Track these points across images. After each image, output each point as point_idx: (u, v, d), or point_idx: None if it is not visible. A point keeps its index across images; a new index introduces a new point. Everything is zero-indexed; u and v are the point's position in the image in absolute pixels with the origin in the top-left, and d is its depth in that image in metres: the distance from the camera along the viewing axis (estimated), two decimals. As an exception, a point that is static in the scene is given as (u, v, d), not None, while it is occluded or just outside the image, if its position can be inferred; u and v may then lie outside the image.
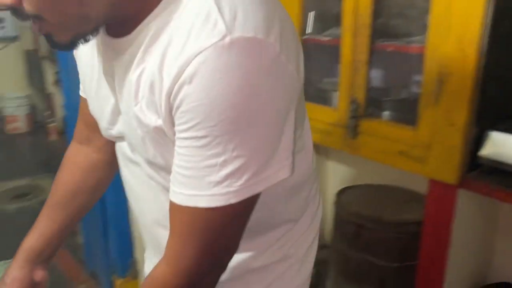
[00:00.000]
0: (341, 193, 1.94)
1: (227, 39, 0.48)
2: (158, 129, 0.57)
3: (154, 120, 0.57)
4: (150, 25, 0.54)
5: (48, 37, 0.55)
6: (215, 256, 0.59)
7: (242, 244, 0.63)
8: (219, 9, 0.49)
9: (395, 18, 1.57)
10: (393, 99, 1.67)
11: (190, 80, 0.49)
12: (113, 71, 0.62)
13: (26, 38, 4.83)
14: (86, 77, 0.73)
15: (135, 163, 0.70)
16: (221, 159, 0.51)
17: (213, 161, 0.51)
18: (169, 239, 0.59)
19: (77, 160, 0.90)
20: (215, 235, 0.56)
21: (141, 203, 0.77)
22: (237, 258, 0.72)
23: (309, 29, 1.74)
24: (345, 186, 2.00)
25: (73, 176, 0.89)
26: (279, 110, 0.54)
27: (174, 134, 0.55)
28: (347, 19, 1.53)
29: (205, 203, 0.53)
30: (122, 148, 0.74)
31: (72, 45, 0.57)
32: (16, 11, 0.51)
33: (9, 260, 2.61)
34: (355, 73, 1.55)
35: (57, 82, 4.08)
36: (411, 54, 1.47)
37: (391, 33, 1.54)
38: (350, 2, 1.50)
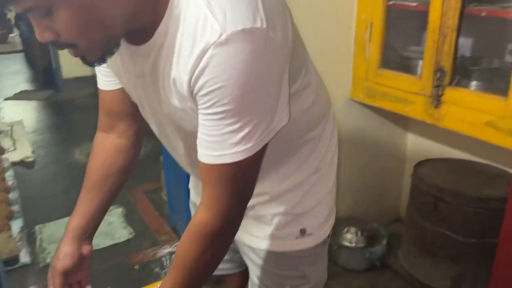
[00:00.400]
0: (419, 165, 1.90)
1: (223, 36, 0.62)
2: (187, 109, 0.74)
3: (183, 104, 0.73)
4: (165, 31, 0.69)
5: (83, 58, 0.70)
6: (242, 196, 0.76)
7: (275, 170, 0.88)
8: (212, 13, 0.63)
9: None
10: (483, 68, 1.58)
11: (203, 72, 0.65)
12: (143, 72, 0.76)
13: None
14: (121, 78, 0.89)
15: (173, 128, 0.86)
16: (237, 126, 0.67)
17: (230, 128, 0.67)
18: (203, 190, 0.75)
19: (104, 146, 1.01)
20: (239, 181, 0.73)
21: (176, 155, 0.94)
22: (274, 182, 0.91)
23: (395, -6, 1.68)
24: (425, 159, 1.95)
25: (103, 161, 1.00)
26: (276, 78, 0.69)
27: (197, 111, 0.71)
28: (438, -18, 1.46)
29: (229, 159, 0.69)
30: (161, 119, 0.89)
31: (102, 61, 0.72)
32: (54, 43, 0.66)
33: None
34: (443, 40, 1.48)
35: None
36: (506, 20, 1.38)
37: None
38: (442, -36, 1.43)
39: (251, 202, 0.78)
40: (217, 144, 0.69)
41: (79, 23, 0.64)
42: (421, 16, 1.55)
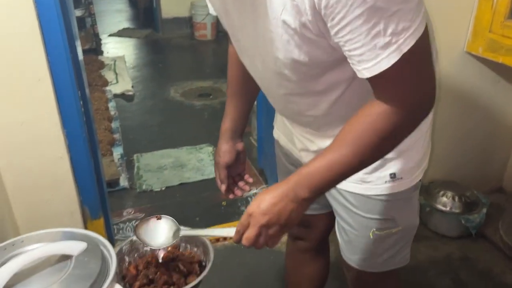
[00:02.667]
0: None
1: None
2: (304, 28, 0.67)
3: (299, 20, 0.66)
4: None
5: None
6: (417, 96, 0.69)
7: None
8: None
9: None
10: None
11: None
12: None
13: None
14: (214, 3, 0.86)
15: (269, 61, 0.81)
16: (382, 24, 0.60)
17: (376, 29, 0.61)
18: (379, 94, 0.70)
19: (236, 57, 1.03)
20: (407, 82, 0.67)
21: (268, 85, 0.91)
22: None
23: None
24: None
25: (240, 69, 1.04)
26: None
27: (319, 30, 0.66)
28: None
29: (385, 64, 0.63)
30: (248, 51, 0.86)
31: None
32: None
33: (196, 146, 2.97)
34: None
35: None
36: None
37: None
38: None
39: None
40: (367, 53, 0.63)
41: None
42: None
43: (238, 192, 1.15)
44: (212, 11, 0.95)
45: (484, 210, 1.91)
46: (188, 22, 5.51)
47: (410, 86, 0.68)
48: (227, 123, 1.12)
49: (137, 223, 0.96)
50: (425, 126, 0.93)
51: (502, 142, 2.14)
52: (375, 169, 0.91)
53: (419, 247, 1.91)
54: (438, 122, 1.94)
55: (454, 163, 2.10)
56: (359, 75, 0.67)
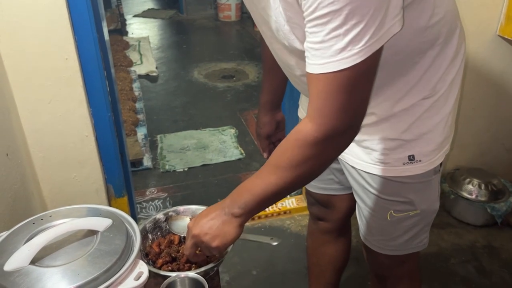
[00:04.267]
0: None
1: None
2: (293, 19, 0.71)
3: (289, 14, 0.71)
4: None
5: None
6: (351, 110, 0.69)
7: (383, 91, 0.83)
8: None
9: None
10: None
11: None
12: None
13: None
14: None
15: (281, 44, 0.83)
16: (343, 29, 0.61)
17: (336, 32, 0.62)
18: (310, 101, 0.71)
19: None
20: (347, 93, 0.67)
21: (287, 66, 0.93)
22: (382, 103, 0.85)
23: None
24: None
25: None
26: None
27: (303, 20, 0.67)
28: None
29: (335, 67, 0.64)
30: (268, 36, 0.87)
31: None
32: None
33: (219, 128, 2.99)
34: None
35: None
36: None
37: None
38: None
39: None
40: (322, 51, 0.64)
41: None
42: None
43: None
44: None
45: (511, 199, 1.86)
46: (212, 3, 5.49)
47: (346, 100, 0.67)
48: (265, 96, 1.17)
49: (171, 214, 1.00)
50: (448, 107, 0.90)
51: (533, 129, 2.08)
52: (393, 150, 0.89)
53: (443, 234, 1.88)
54: (465, 106, 1.89)
55: (481, 149, 2.05)
56: (307, 68, 0.68)
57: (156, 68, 3.81)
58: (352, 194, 1.06)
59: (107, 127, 1.49)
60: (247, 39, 4.80)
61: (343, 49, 0.62)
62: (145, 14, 5.60)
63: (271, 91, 1.17)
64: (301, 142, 0.72)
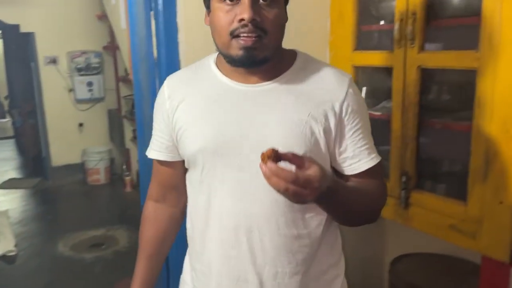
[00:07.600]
0: (395, 262, 1.94)
1: (351, 78, 1.01)
2: (325, 131, 0.97)
3: (321, 125, 0.96)
4: (290, 75, 0.97)
5: (254, 50, 0.88)
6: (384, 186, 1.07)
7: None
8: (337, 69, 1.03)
9: (445, 94, 1.63)
10: (443, 173, 1.70)
11: (351, 97, 0.97)
12: (255, 108, 0.95)
13: (110, 99, 5.40)
14: (188, 118, 0.98)
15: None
16: (368, 139, 1.01)
17: (366, 141, 1.01)
18: (375, 180, 1.03)
19: (157, 217, 1.11)
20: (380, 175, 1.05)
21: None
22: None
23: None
24: (400, 254, 1.99)
25: (157, 231, 1.10)
26: None
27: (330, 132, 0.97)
28: (396, 97, 1.62)
29: (378, 159, 1.02)
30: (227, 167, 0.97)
31: (263, 63, 0.91)
32: (255, 23, 0.86)
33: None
34: (405, 147, 1.61)
35: (135, 138, 4.46)
36: (458, 131, 1.52)
37: (440, 109, 1.60)
38: (399, 82, 1.60)
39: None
40: (371, 148, 1.01)
41: (280, 20, 0.91)
42: (386, 124, 1.70)
43: None
44: (159, 156, 1.05)
45: None
46: (80, 168, 5.46)
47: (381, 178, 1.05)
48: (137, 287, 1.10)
49: None
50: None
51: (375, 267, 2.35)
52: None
53: None
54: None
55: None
56: (369, 163, 1.00)
57: (15, 246, 3.55)
58: None
59: None
60: (118, 201, 4.80)
61: (371, 148, 1.02)
62: (5, 185, 5.31)
63: (147, 283, 1.10)
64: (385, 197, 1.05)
